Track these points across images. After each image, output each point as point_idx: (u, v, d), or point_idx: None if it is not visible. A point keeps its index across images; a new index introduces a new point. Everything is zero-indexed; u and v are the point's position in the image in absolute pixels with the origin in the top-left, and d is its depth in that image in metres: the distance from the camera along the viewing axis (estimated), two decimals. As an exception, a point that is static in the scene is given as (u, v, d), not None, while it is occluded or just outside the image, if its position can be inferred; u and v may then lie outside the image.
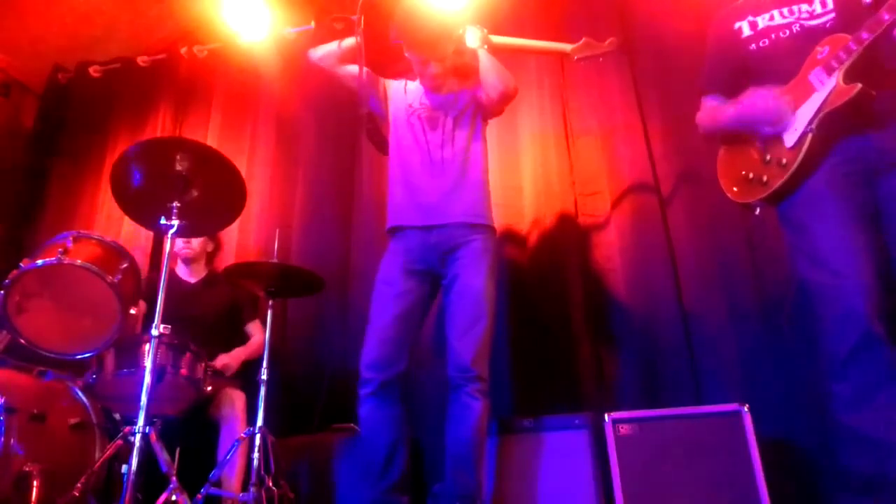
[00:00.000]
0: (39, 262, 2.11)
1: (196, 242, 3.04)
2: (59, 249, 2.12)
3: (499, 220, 2.94)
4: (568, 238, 2.93)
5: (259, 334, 2.95)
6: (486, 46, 2.36)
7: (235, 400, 2.60)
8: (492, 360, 2.17)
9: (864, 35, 1.70)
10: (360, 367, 2.19)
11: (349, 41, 2.43)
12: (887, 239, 1.74)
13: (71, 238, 2.18)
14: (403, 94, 2.49)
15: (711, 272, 2.70)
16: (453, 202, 2.26)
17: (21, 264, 2.12)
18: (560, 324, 2.79)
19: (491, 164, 2.71)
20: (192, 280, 3.05)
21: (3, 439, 2.03)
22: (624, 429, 2.14)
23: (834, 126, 1.78)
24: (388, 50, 2.49)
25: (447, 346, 2.16)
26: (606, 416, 2.17)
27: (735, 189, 2.02)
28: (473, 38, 2.37)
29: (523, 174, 3.14)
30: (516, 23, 3.27)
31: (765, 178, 1.90)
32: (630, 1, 3.24)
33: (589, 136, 3.10)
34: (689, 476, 2.03)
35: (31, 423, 2.19)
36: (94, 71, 4.19)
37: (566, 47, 2.58)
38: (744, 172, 1.98)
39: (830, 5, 1.89)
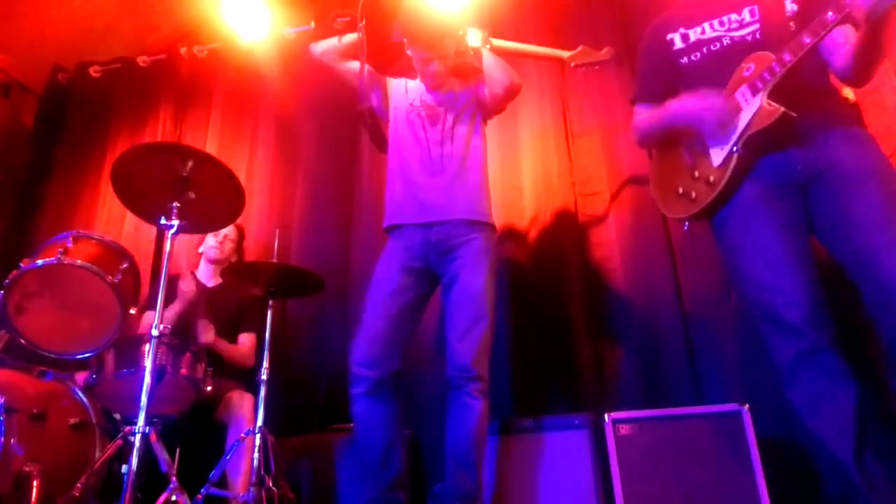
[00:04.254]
0: (39, 262, 2.11)
1: (227, 247, 3.04)
2: (59, 249, 2.12)
3: (499, 220, 2.93)
4: (568, 238, 2.93)
5: (247, 345, 2.91)
6: (488, 46, 2.38)
7: (244, 402, 2.59)
8: (492, 360, 2.17)
9: (787, 57, 1.72)
10: (350, 364, 2.18)
11: (350, 37, 2.43)
12: (836, 250, 1.74)
13: (71, 238, 2.18)
14: (404, 92, 2.49)
15: (711, 272, 2.69)
16: (453, 199, 2.26)
17: (21, 264, 2.12)
18: (560, 323, 2.79)
19: (491, 164, 2.71)
20: (210, 284, 3.04)
21: (3, 439, 2.03)
22: (624, 429, 2.14)
23: (758, 145, 1.80)
24: (388, 48, 2.50)
25: (447, 346, 2.16)
26: (606, 416, 2.17)
27: (666, 203, 2.05)
28: (475, 39, 2.38)
29: (523, 174, 3.14)
30: (517, 25, 3.28)
31: (693, 195, 1.93)
32: (630, 2, 3.24)
33: (589, 135, 3.10)
34: (689, 476, 2.03)
35: (31, 423, 2.19)
36: (94, 71, 4.19)
37: (563, 54, 2.60)
38: (674, 187, 2.00)
39: (756, 16, 1.90)
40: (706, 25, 1.97)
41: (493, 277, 2.24)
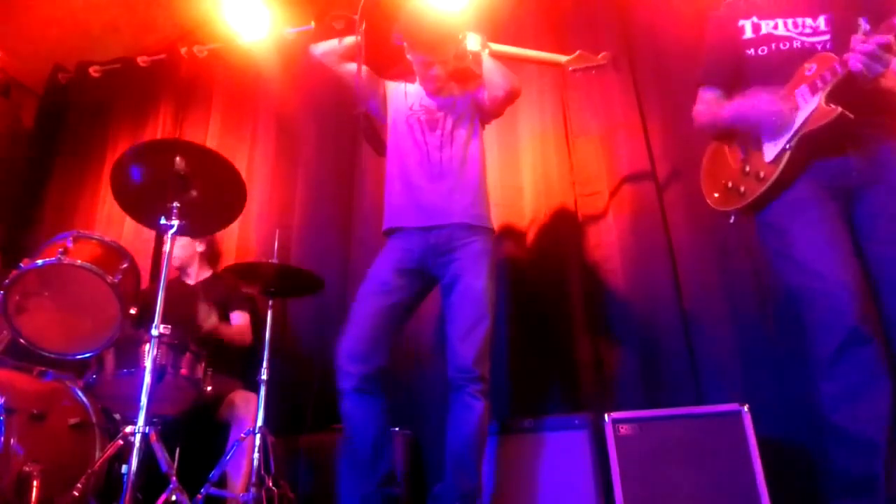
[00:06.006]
0: (39, 261, 2.11)
1: (177, 249, 3.00)
2: (59, 249, 2.12)
3: (499, 220, 2.94)
4: (568, 238, 2.93)
5: (243, 322, 2.93)
6: (486, 50, 2.38)
7: (249, 402, 2.59)
8: (492, 360, 2.17)
9: None
10: (337, 358, 2.18)
11: (350, 39, 2.43)
12: (868, 256, 1.77)
13: (71, 238, 2.18)
14: (403, 96, 2.49)
15: (711, 272, 2.70)
16: (452, 203, 2.27)
17: (21, 264, 2.12)
18: (560, 323, 2.79)
19: (491, 164, 2.71)
20: (191, 283, 3.04)
21: (3, 439, 2.03)
22: (624, 429, 2.14)
23: (812, 145, 1.81)
24: (388, 50, 2.50)
25: (448, 347, 2.16)
26: (606, 416, 2.17)
27: (715, 196, 2.07)
28: (474, 43, 2.38)
29: (523, 174, 3.14)
30: (517, 26, 3.28)
31: (742, 189, 1.94)
32: (630, 2, 3.24)
33: (589, 135, 3.10)
34: (689, 476, 2.03)
35: (31, 423, 2.19)
36: (94, 71, 4.19)
37: (560, 59, 2.61)
38: (724, 180, 2.02)
39: (830, 27, 1.91)
40: (780, 22, 1.97)
41: (493, 279, 2.24)
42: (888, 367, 1.66)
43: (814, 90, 1.79)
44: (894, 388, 1.64)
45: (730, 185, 2.00)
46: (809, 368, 1.78)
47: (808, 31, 1.93)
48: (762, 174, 1.89)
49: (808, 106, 1.79)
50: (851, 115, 1.72)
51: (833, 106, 1.74)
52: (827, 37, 1.91)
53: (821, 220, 1.79)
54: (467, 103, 2.43)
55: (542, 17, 3.35)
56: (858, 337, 1.66)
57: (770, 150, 1.88)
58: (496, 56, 2.42)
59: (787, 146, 1.82)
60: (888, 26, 1.65)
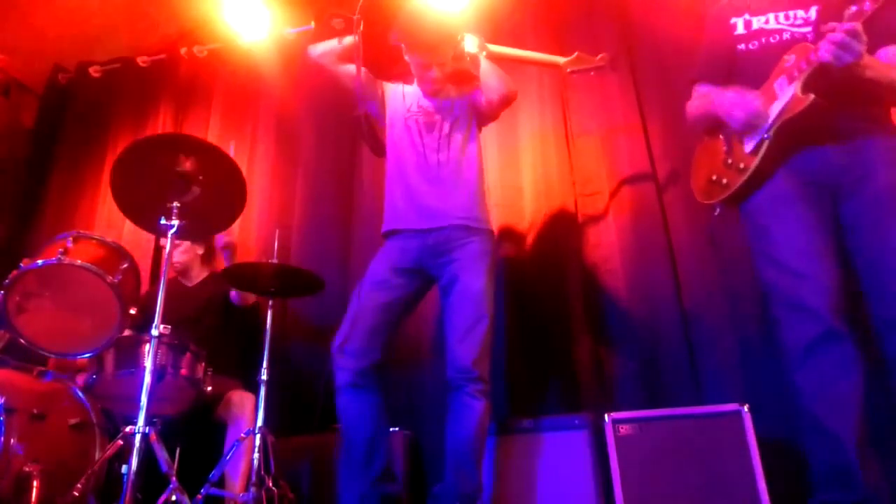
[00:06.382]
0: (39, 262, 2.12)
1: (178, 255, 3.01)
2: (60, 249, 2.12)
3: (499, 220, 2.95)
4: (568, 238, 2.93)
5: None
6: (485, 52, 2.38)
7: (245, 401, 2.60)
8: (491, 360, 2.17)
9: None
10: (332, 351, 2.18)
11: (349, 39, 2.43)
12: (853, 256, 1.78)
13: (71, 238, 2.19)
14: (401, 98, 2.49)
15: (711, 272, 2.70)
16: (450, 205, 2.27)
17: (21, 264, 2.12)
18: (560, 323, 2.79)
19: (491, 164, 2.71)
20: (190, 284, 3.05)
21: (3, 439, 2.03)
22: (624, 429, 2.14)
23: (791, 135, 1.82)
24: (386, 52, 2.50)
25: (447, 347, 2.15)
26: (606, 416, 2.17)
27: (700, 189, 2.11)
28: (472, 45, 2.38)
29: (523, 174, 3.13)
30: (517, 27, 3.28)
31: (724, 181, 1.98)
32: (630, 2, 3.24)
33: (589, 135, 3.10)
34: (689, 476, 2.03)
35: (31, 423, 2.19)
36: (94, 71, 4.19)
37: (559, 60, 2.61)
38: (709, 173, 2.05)
39: (814, 17, 1.93)
40: (771, 16, 1.99)
41: (492, 279, 2.24)
42: (861, 362, 1.68)
43: (791, 79, 1.80)
44: (866, 382, 1.67)
45: (714, 177, 2.03)
46: (782, 360, 1.80)
47: (799, 21, 1.95)
48: (742, 165, 1.91)
49: (785, 95, 1.81)
50: (825, 102, 1.73)
51: (808, 94, 1.75)
52: (809, 28, 1.92)
53: (800, 218, 1.81)
54: (464, 105, 2.43)
55: (541, 17, 3.35)
56: (832, 334, 1.69)
57: (750, 142, 1.90)
58: (494, 57, 2.42)
59: (766, 136, 1.84)
60: (858, 13, 1.67)
